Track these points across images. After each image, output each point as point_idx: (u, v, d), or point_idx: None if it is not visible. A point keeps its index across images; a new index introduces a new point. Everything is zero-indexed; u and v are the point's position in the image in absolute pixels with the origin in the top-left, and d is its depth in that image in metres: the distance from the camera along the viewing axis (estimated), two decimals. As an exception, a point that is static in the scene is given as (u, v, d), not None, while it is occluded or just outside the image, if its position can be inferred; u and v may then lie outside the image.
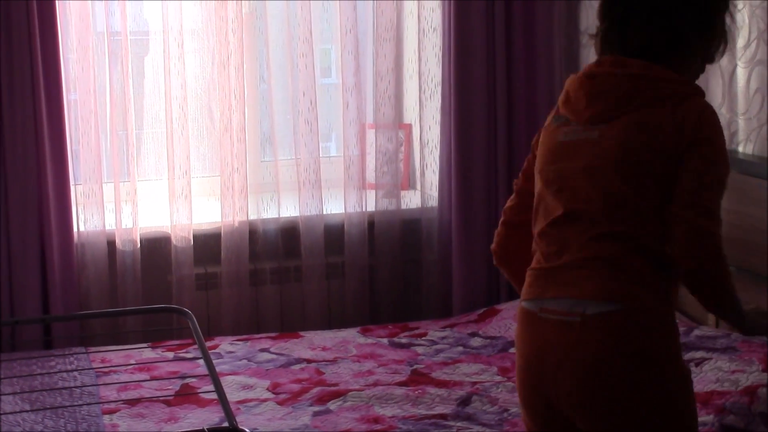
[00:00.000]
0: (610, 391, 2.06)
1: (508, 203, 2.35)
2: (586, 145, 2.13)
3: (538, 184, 2.22)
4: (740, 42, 3.34)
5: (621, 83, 2.13)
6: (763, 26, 3.27)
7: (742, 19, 3.31)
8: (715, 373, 2.95)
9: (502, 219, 2.36)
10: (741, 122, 3.38)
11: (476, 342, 3.61)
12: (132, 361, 3.45)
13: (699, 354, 3.09)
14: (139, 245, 3.87)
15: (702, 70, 2.22)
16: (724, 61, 3.05)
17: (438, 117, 4.10)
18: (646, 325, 2.06)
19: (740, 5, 3.27)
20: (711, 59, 2.21)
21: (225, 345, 3.62)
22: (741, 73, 3.36)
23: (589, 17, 4.14)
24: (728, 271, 2.05)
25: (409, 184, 4.30)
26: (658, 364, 2.07)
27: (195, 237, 3.92)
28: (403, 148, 4.23)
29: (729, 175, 2.10)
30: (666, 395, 2.07)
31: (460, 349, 3.55)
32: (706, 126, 2.07)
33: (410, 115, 4.28)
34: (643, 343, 2.06)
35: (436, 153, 4.13)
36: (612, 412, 2.07)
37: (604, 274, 2.07)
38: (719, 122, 2.11)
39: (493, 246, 2.37)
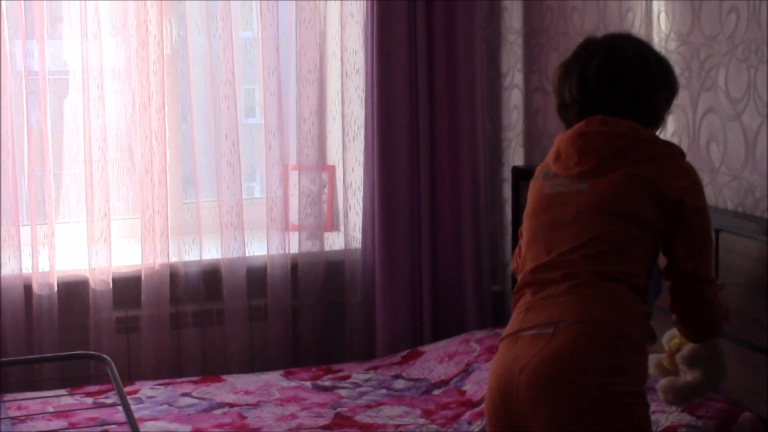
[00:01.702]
0: (567, 389, 2.15)
1: (516, 250, 2.55)
2: (576, 195, 2.32)
3: (526, 233, 2.41)
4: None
5: (612, 141, 2.33)
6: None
7: None
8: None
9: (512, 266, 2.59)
10: None
11: (400, 384, 3.60)
12: (50, 408, 3.37)
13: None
14: (56, 289, 3.80)
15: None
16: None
17: (361, 158, 4.11)
18: (615, 340, 2.21)
19: None
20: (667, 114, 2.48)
21: (146, 389, 3.56)
22: None
23: (510, 61, 4.19)
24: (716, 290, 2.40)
25: (333, 226, 4.30)
26: (620, 375, 2.17)
27: (114, 280, 3.87)
28: (326, 190, 4.23)
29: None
30: (620, 408, 2.17)
31: (384, 391, 3.54)
32: (695, 194, 2.33)
33: (334, 156, 4.28)
34: (608, 353, 2.19)
35: (360, 194, 4.13)
36: (564, 411, 2.15)
37: (581, 303, 2.24)
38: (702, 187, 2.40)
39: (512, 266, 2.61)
